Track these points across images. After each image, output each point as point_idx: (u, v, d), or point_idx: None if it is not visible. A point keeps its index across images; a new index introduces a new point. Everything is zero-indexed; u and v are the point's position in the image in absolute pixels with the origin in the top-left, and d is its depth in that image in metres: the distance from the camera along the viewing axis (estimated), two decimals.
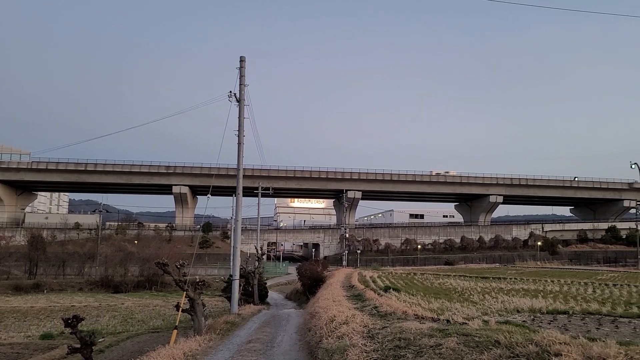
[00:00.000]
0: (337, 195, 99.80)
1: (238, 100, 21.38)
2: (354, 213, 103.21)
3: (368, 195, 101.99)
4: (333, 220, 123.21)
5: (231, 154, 21.68)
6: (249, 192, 63.60)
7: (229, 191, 65.15)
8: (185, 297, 15.69)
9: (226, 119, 20.78)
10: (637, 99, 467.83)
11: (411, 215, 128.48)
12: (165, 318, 28.70)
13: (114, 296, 44.78)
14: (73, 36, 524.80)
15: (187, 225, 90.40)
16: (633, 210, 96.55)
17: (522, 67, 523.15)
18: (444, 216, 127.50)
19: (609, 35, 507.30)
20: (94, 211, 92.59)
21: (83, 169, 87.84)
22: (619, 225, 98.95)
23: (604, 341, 8.10)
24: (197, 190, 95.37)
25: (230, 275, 21.95)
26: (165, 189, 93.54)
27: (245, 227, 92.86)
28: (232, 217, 35.30)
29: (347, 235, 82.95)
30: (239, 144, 21.37)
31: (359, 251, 79.72)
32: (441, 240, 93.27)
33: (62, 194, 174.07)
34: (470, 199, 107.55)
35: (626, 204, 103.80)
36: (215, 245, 76.54)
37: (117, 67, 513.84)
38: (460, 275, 39.84)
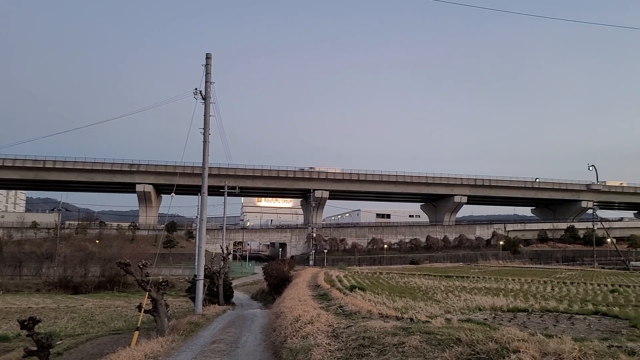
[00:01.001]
0: (304, 195, 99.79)
1: (204, 98, 21.10)
2: (321, 212, 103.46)
3: (335, 195, 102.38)
4: (300, 220, 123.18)
5: (198, 153, 21.38)
6: (215, 191, 62.81)
7: (195, 190, 64.27)
8: (148, 297, 15.40)
9: (191, 117, 20.49)
10: (595, 103, 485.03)
11: (378, 215, 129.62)
12: (127, 319, 28.05)
13: (73, 297, 43.52)
14: (33, 28, 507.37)
15: (151, 225, 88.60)
16: (590, 211, 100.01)
17: (487, 69, 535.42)
18: (410, 216, 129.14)
19: (568, 40, 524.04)
20: (53, 210, 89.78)
21: (41, 165, 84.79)
22: (577, 225, 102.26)
23: (560, 338, 8.33)
24: (161, 189, 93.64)
25: (195, 275, 21.63)
26: (129, 188, 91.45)
27: (211, 227, 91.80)
28: (197, 217, 34.81)
29: (314, 235, 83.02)
30: (205, 142, 21.09)
31: (326, 251, 79.89)
32: (407, 240, 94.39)
33: (19, 191, 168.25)
34: (435, 199, 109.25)
35: (584, 204, 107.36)
36: (180, 245, 75.33)
37: (84, 63, 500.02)
38: (424, 275, 40.42)
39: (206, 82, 21.19)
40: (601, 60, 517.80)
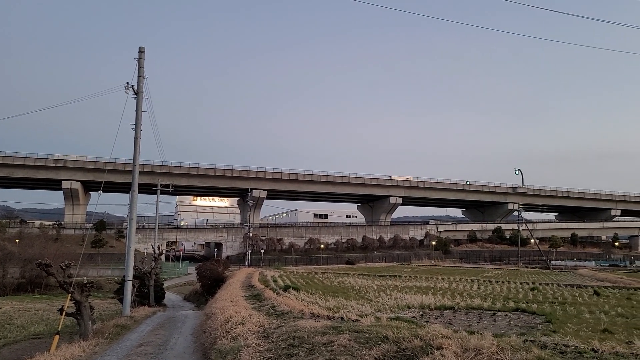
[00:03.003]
0: (241, 194, 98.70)
1: (136, 93, 20.40)
2: (259, 212, 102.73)
3: (273, 195, 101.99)
4: (237, 219, 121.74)
5: (131, 149, 20.59)
6: (148, 189, 60.98)
7: (126, 188, 61.78)
8: (71, 299, 14.69)
9: (121, 112, 19.75)
10: (523, 109, 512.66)
11: (315, 215, 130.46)
12: (48, 323, 26.52)
13: None
14: None
15: (78, 224, 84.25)
16: (516, 213, 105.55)
17: (425, 75, 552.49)
18: (347, 216, 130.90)
19: (499, 48, 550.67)
20: None
21: None
22: (504, 226, 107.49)
23: (481, 334, 8.74)
24: (90, 186, 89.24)
25: (124, 276, 20.86)
26: (54, 184, 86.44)
27: (143, 226, 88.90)
28: (128, 215, 33.59)
29: (251, 235, 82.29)
30: (136, 138, 20.40)
31: (262, 250, 79.40)
32: (344, 240, 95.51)
33: None
34: (372, 200, 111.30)
35: (510, 206, 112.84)
36: (110, 245, 72.28)
37: (19, 53, 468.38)
38: (359, 274, 41.05)
39: (139, 76, 20.52)
40: (528, 68, 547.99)
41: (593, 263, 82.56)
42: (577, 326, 13.53)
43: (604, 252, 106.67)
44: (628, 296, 24.39)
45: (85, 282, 15.47)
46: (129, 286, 20.31)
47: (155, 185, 46.05)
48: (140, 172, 21.08)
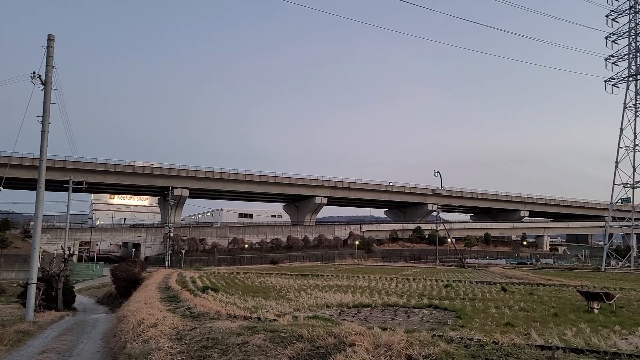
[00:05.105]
0: (162, 193, 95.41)
1: (44, 83, 19.11)
2: (181, 211, 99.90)
3: (196, 194, 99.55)
4: (158, 219, 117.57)
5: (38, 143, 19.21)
6: (59, 186, 57.37)
7: (34, 184, 57.84)
8: None
9: (27, 104, 18.42)
10: (440, 114, 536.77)
11: (240, 215, 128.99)
12: None
13: None
14: None
15: None
16: (435, 213, 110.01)
17: (350, 79, 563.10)
18: (272, 216, 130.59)
19: (424, 56, 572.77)
20: None
21: None
22: (424, 226, 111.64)
23: (393, 330, 9.03)
24: None
25: (28, 279, 19.49)
26: None
27: (53, 225, 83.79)
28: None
29: (172, 235, 79.83)
30: (43, 131, 19.12)
31: (184, 251, 77.24)
32: (268, 240, 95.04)
33: None
34: (297, 199, 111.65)
35: (430, 207, 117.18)
36: (14, 245, 67.20)
37: None
38: (282, 274, 41.01)
39: (47, 65, 19.25)
40: (446, 75, 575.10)
41: (503, 261, 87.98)
42: (483, 320, 14.32)
43: (514, 251, 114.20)
44: (531, 291, 26.19)
45: None
46: (32, 289, 19.04)
47: (67, 182, 43.36)
48: (51, 168, 19.91)
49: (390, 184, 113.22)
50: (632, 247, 74.37)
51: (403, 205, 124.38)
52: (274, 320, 11.31)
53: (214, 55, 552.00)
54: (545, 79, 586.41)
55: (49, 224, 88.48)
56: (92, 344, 13.87)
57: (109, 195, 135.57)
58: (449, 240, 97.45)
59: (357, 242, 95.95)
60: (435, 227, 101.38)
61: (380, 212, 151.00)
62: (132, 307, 15.63)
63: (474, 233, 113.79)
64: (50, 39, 19.34)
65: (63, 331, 16.55)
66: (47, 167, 20.04)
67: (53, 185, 61.47)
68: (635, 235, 77.16)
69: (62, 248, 31.48)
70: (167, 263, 70.40)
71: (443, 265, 75.36)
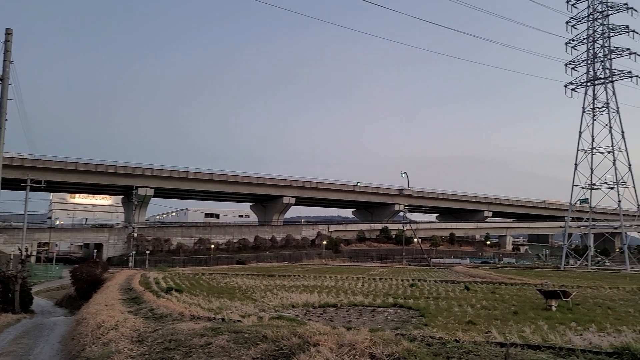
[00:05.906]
0: (126, 192, 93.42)
1: (1, 79, 18.44)
2: (145, 211, 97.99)
3: (162, 193, 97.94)
4: (121, 219, 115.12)
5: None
6: (17, 184, 55.43)
7: None
8: None
9: None
10: (406, 115, 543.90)
11: (207, 215, 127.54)
12: None
13: None
14: None
15: None
16: (402, 214, 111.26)
17: (313, 77, 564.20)
18: (239, 216, 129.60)
19: (385, 56, 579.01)
20: None
21: None
22: (391, 226, 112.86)
23: (357, 329, 9.10)
24: None
25: None
26: None
27: (10, 225, 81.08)
28: None
29: (136, 235, 78.20)
30: (0, 128, 18.42)
31: (148, 251, 75.76)
32: (235, 240, 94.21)
33: None
34: (265, 199, 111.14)
35: (397, 207, 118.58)
36: None
37: None
38: (248, 274, 40.65)
39: (5, 60, 18.60)
40: (411, 77, 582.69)
41: (468, 260, 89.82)
42: (446, 319, 14.55)
43: (477, 250, 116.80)
44: (493, 290, 26.76)
45: None
46: None
47: (24, 181, 41.87)
48: (8, 166, 19.22)
49: (358, 184, 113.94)
50: (590, 246, 77.18)
51: (371, 206, 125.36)
52: (239, 321, 11.24)
53: (178, 56, 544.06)
54: (509, 83, 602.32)
55: (6, 223, 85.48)
56: (49, 348, 13.60)
57: (69, 194, 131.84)
58: (416, 240, 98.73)
59: (324, 242, 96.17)
60: (402, 227, 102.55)
61: (348, 213, 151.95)
62: (92, 309, 15.27)
63: (440, 233, 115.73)
64: (8, 32, 18.68)
65: (20, 334, 16.17)
66: (3, 164, 19.36)
67: (10, 184, 59.50)
68: (593, 235, 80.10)
69: (19, 249, 30.44)
70: (130, 264, 68.95)
71: (409, 265, 76.30)
